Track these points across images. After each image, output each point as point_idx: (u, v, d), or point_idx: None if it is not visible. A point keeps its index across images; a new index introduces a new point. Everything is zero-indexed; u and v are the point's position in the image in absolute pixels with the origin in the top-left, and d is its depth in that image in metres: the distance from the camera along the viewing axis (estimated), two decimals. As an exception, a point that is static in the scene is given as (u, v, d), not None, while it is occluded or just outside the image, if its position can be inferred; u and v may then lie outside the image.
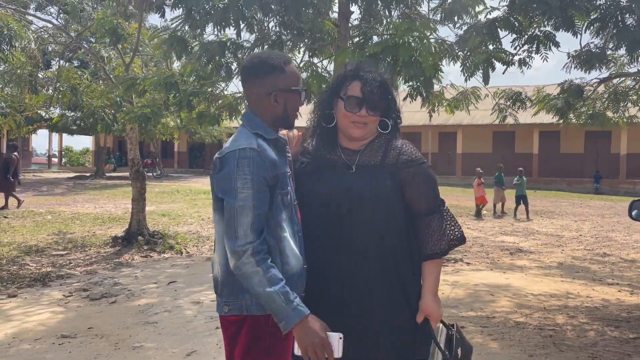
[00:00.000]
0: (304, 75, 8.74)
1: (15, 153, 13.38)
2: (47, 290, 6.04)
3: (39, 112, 12.16)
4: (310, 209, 1.94)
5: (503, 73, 5.90)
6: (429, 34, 5.86)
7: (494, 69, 5.43)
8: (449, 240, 2.00)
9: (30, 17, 10.58)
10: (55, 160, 39.08)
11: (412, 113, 25.27)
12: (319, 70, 8.48)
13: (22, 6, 10.57)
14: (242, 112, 9.37)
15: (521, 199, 14.26)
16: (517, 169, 15.23)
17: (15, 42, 7.25)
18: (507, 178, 15.00)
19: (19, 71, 9.11)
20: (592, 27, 5.82)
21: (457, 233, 2.04)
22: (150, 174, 25.31)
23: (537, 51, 5.83)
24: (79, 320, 4.92)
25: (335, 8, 8.09)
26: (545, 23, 5.79)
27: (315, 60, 8.95)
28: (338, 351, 1.69)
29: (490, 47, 5.60)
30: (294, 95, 1.91)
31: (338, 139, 2.04)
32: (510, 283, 6.60)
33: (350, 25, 8.15)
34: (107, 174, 28.03)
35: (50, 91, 11.25)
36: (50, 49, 12.70)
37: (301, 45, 8.08)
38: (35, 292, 5.99)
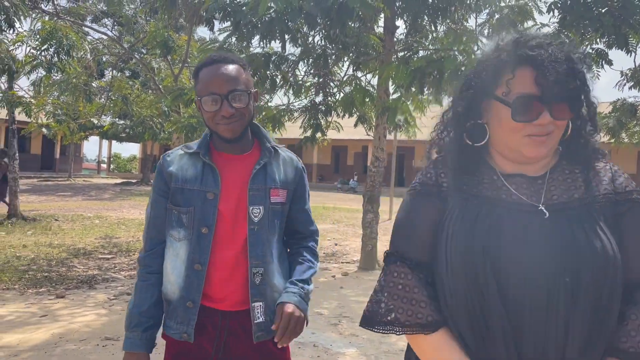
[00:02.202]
0: (347, 88, 8.81)
1: (5, 159, 13.50)
2: (92, 293, 6.23)
3: (91, 120, 12.64)
4: (478, 277, 1.13)
5: (552, 91, 5.73)
6: (475, 48, 5.81)
7: (542, 86, 5.33)
8: None
9: (86, 29, 11.05)
10: (104, 166, 40.52)
11: (456, 128, 24.97)
12: (363, 84, 8.51)
13: (79, 18, 11.06)
14: (285, 123, 9.53)
15: None
16: None
17: (73, 52, 7.59)
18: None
19: (74, 80, 9.51)
20: (647, 46, 5.65)
21: None
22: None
23: (589, 69, 5.69)
24: (122, 323, 5.03)
25: (381, 22, 8.14)
26: (598, 40, 5.65)
27: (359, 74, 9.00)
28: None
29: (539, 63, 5.51)
30: (200, 103, 1.66)
31: (488, 160, 1.27)
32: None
33: (395, 39, 8.18)
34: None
35: (103, 100, 11.70)
36: (104, 59, 13.22)
37: (346, 59, 8.14)
38: (82, 293, 6.19)
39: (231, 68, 1.64)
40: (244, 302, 1.66)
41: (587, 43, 6.07)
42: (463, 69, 5.16)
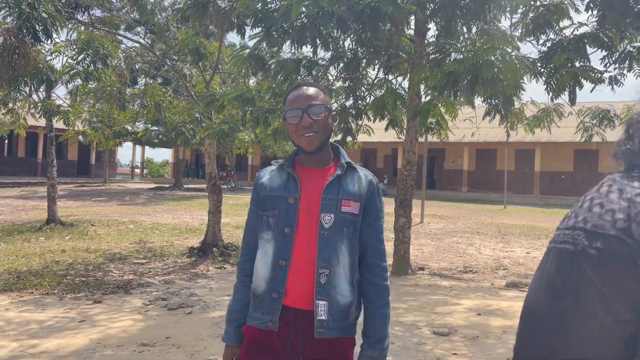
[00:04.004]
0: (378, 92, 8.74)
1: None
2: (128, 298, 6.33)
3: (125, 126, 12.89)
4: None
5: (591, 91, 5.55)
6: (510, 50, 5.68)
7: (581, 87, 5.15)
8: None
9: (120, 37, 11.27)
10: (137, 171, 41.31)
11: (488, 129, 24.56)
12: (394, 86, 8.42)
13: (113, 27, 11.29)
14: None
15: None
16: None
17: (109, 61, 7.74)
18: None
19: (109, 88, 9.70)
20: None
21: None
22: (225, 186, 26.11)
23: (630, 68, 5.49)
24: (157, 329, 5.10)
25: (412, 25, 8.05)
26: (639, 39, 5.45)
27: (390, 77, 8.92)
28: None
29: (577, 64, 5.33)
30: (286, 119, 1.94)
31: None
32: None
33: (426, 41, 8.08)
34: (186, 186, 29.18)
35: (136, 107, 11.92)
36: (137, 67, 13.47)
37: (377, 62, 8.08)
38: (118, 298, 6.28)
39: (311, 89, 1.93)
40: (313, 301, 1.83)
41: (626, 42, 5.87)
42: (496, 70, 5.05)
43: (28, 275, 7.25)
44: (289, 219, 1.86)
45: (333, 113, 1.97)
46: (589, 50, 5.51)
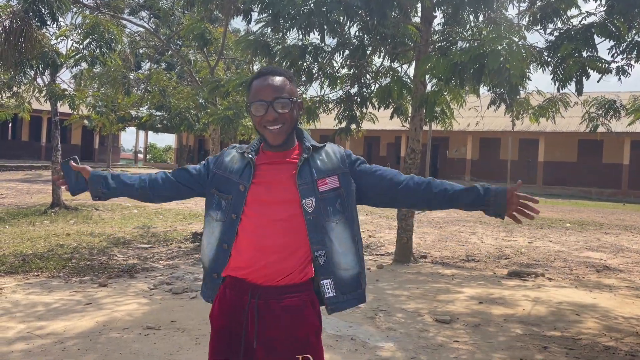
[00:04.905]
0: (383, 80, 8.72)
1: None
2: (133, 282, 6.39)
3: (130, 111, 12.89)
4: None
5: (598, 82, 5.53)
6: (517, 39, 5.65)
7: (588, 77, 5.13)
8: None
9: (124, 22, 11.22)
10: (140, 156, 41.38)
11: (492, 118, 24.48)
12: (400, 74, 8.38)
13: (118, 11, 11.23)
14: (319, 115, 9.50)
15: None
16: None
17: (115, 45, 7.74)
18: (596, 189, 13.98)
19: (114, 73, 9.70)
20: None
21: None
22: (228, 173, 26.18)
23: (638, 59, 5.46)
24: (162, 313, 5.16)
25: (418, 12, 7.99)
26: (648, 28, 5.41)
27: (395, 64, 8.88)
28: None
29: (585, 54, 5.30)
30: (250, 109, 1.92)
31: None
32: (597, 303, 6.22)
33: (432, 29, 8.03)
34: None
35: (140, 92, 11.90)
36: (141, 51, 13.42)
37: (382, 50, 8.04)
38: (123, 282, 6.34)
39: (277, 79, 1.89)
40: (282, 278, 1.84)
41: (634, 32, 5.83)
42: (501, 59, 5.02)
43: (33, 258, 7.32)
44: (237, 205, 1.89)
45: (299, 102, 1.96)
46: (597, 40, 5.48)
